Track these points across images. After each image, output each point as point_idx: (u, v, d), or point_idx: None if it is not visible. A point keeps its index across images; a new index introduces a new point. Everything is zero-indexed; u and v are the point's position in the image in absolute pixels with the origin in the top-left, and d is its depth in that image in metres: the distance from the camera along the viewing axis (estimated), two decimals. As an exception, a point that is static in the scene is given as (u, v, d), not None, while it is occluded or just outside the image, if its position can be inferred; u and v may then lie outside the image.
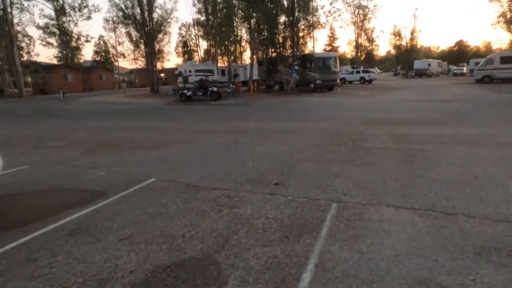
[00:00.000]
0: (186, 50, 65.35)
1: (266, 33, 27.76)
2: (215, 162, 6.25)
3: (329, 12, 52.44)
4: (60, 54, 51.47)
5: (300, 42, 29.06)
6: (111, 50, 60.63)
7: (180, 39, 66.00)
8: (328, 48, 68.83)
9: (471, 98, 17.69)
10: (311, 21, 27.84)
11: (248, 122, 12.25)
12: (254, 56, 34.40)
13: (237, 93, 27.17)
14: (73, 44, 53.47)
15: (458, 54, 79.67)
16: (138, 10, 32.75)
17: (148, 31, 33.54)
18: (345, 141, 7.83)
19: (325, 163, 5.87)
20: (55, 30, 49.11)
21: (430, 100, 17.89)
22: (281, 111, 15.70)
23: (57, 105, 24.70)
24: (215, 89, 24.44)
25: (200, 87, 24.79)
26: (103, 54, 65.54)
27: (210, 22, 38.20)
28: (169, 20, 35.53)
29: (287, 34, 28.03)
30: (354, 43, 61.04)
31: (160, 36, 37.57)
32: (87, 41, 54.51)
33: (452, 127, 9.63)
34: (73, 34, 51.28)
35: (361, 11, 56.31)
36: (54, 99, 29.26)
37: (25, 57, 50.79)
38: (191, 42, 60.88)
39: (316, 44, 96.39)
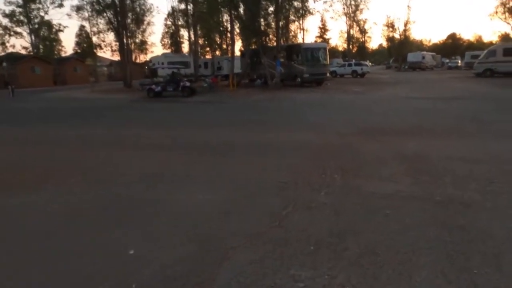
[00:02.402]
0: (173, 42, 61.54)
1: (247, 21, 24.58)
2: (67, 246, 3.22)
3: (319, -5, 48.64)
4: (29, 45, 47.53)
5: (286, 31, 25.97)
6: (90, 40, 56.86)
7: (166, 30, 62.31)
8: (319, 40, 65.72)
9: (479, 96, 14.98)
10: (298, 7, 24.71)
11: (209, 130, 9.23)
12: (240, 47, 31.30)
13: (214, 88, 24.08)
14: (46, 33, 49.63)
15: (452, 47, 77.46)
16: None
17: (120, 20, 30.06)
18: (331, 176, 4.88)
19: (286, 250, 2.89)
20: (22, 18, 45.17)
21: (433, 97, 15.08)
22: (257, 113, 12.71)
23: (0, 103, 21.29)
24: (187, 84, 21.32)
25: (171, 81, 21.64)
26: (84, 46, 61.54)
27: (190, 10, 34.73)
28: (143, 7, 32.13)
29: (270, 21, 24.91)
30: (345, 35, 58.10)
31: (143, 27, 34.19)
32: (59, 30, 50.57)
33: (482, 141, 6.79)
34: (43, 22, 47.42)
35: (353, 2, 53.40)
36: (4, 95, 25.64)
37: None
38: (177, 34, 57.27)
39: (307, 35, 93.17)
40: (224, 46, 44.48)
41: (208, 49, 50.70)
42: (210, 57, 39.93)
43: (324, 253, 2.81)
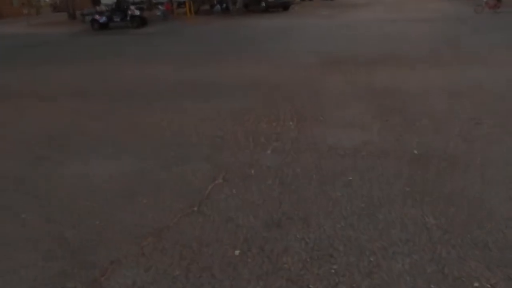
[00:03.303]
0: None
1: None
2: None
3: None
4: None
5: None
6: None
7: None
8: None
9: (452, 17, 13.90)
10: None
11: (148, 69, 7.71)
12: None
13: (168, 17, 21.39)
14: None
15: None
16: None
17: None
18: (284, 123, 3.85)
19: (198, 259, 1.89)
20: None
21: (405, 20, 13.80)
22: (212, 43, 11.11)
23: None
24: (136, 12, 18.62)
25: (117, 10, 18.85)
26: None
27: None
28: None
29: None
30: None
31: None
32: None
33: (460, 69, 5.94)
34: None
35: None
36: None
37: None
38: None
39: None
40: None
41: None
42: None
43: (253, 261, 1.86)
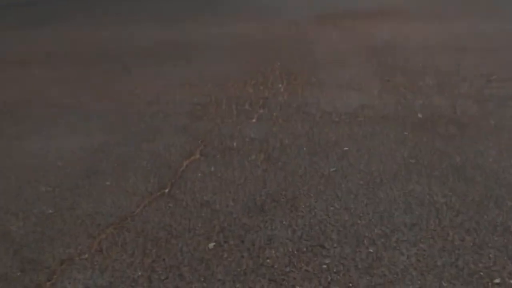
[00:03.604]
0: None
1: None
2: None
3: None
4: None
5: None
6: None
7: None
8: None
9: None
10: None
11: (133, 26, 7.03)
12: None
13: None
14: None
15: None
16: None
17: None
18: (273, 85, 3.46)
19: (164, 255, 1.58)
20: None
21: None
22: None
23: None
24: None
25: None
26: None
27: None
28: None
29: None
30: None
31: None
32: None
33: (467, 21, 5.44)
34: None
35: None
36: None
37: None
38: None
39: None
40: None
41: None
42: None
43: (229, 256, 1.56)
